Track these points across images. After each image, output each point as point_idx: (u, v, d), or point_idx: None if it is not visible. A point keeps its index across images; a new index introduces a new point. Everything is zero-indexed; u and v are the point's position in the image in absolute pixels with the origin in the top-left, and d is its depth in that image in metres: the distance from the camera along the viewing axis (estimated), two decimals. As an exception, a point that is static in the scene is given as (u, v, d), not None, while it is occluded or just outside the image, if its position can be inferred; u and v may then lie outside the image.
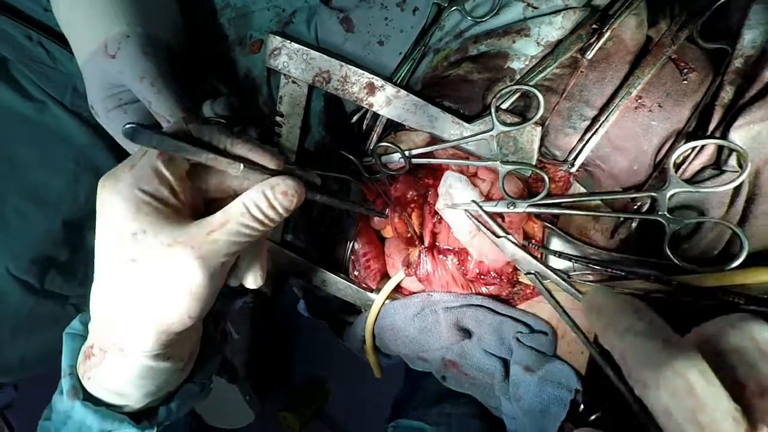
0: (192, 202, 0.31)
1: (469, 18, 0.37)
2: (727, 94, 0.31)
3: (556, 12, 0.36)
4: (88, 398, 0.36)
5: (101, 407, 0.35)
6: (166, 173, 0.29)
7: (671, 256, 0.31)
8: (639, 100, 0.33)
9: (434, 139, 0.38)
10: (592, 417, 0.41)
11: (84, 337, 0.38)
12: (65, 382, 0.37)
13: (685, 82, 0.33)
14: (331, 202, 0.33)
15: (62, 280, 0.71)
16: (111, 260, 0.31)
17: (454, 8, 0.37)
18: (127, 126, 0.26)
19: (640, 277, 0.33)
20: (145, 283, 0.30)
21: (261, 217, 0.29)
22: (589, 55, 0.34)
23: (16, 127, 0.62)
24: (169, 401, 0.39)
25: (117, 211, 0.29)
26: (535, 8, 0.36)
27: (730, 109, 0.31)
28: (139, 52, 0.36)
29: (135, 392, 0.36)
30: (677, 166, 0.32)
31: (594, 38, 0.34)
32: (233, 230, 0.29)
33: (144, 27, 0.37)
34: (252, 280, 0.35)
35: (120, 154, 0.70)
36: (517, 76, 0.36)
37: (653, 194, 0.32)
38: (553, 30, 0.35)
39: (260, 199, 0.29)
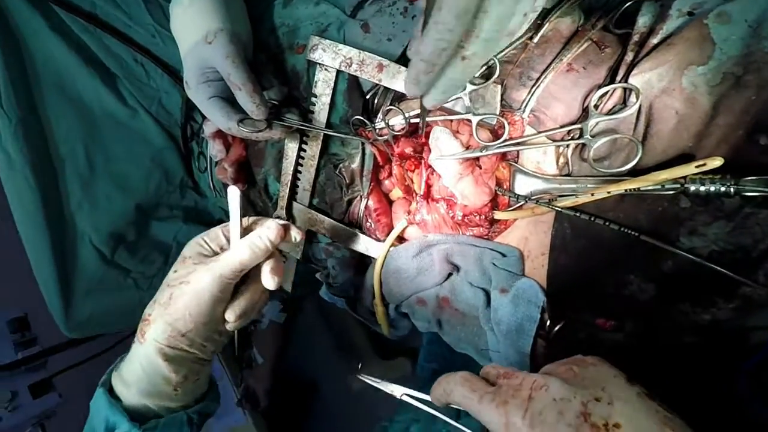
0: None
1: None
2: (628, 57, 0.44)
3: (514, 16, 0.51)
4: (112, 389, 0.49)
5: (113, 399, 0.47)
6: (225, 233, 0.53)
7: (595, 166, 0.42)
8: (569, 66, 0.46)
9: (426, 105, 0.52)
10: (557, 327, 0.49)
11: None
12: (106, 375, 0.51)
13: (603, 54, 0.46)
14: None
15: (128, 256, 0.85)
16: (171, 271, 0.50)
17: (441, 16, 0.53)
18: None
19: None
20: (175, 285, 0.47)
21: (253, 244, 0.48)
22: (535, 39, 0.48)
23: (114, 127, 0.79)
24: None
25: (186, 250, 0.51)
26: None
27: (631, 66, 0.43)
28: (228, 40, 0.53)
29: (133, 383, 0.48)
30: (597, 107, 0.44)
31: (539, 29, 0.48)
32: (232, 255, 0.48)
33: (231, 26, 0.54)
34: (268, 281, 0.50)
35: (186, 160, 0.87)
36: (484, 56, 0.50)
37: (580, 126, 0.44)
38: (510, 26, 0.50)
39: (254, 236, 0.49)
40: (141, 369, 0.47)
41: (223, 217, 0.95)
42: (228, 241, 0.51)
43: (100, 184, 0.79)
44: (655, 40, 0.43)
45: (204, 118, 0.77)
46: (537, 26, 0.49)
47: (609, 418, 0.31)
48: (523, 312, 0.50)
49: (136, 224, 0.85)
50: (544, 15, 0.49)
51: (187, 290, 0.46)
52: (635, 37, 0.45)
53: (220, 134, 0.69)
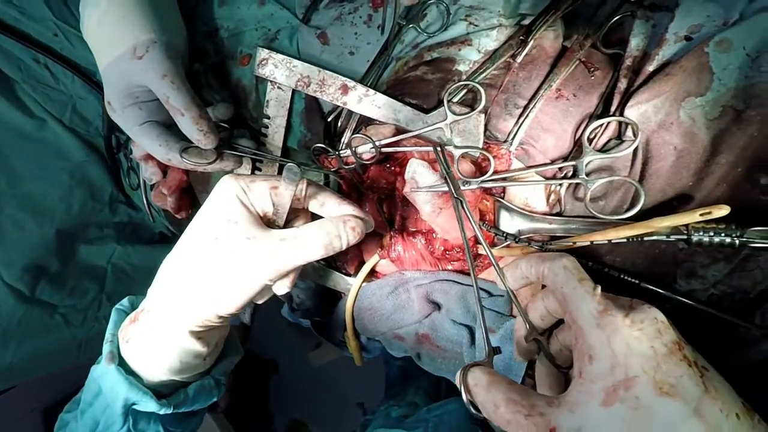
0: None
1: (423, 33, 0.46)
2: (622, 84, 0.40)
3: (492, 28, 0.45)
4: (122, 364, 0.40)
5: (130, 376, 0.39)
6: (274, 198, 0.39)
7: (591, 209, 0.38)
8: (558, 92, 0.42)
9: (399, 131, 0.46)
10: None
11: (128, 313, 0.43)
12: (105, 348, 0.41)
13: (593, 77, 0.42)
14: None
15: (52, 290, 0.74)
16: (198, 235, 0.39)
17: (411, 26, 0.46)
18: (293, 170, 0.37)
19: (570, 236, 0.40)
20: (217, 263, 0.37)
21: (330, 243, 0.37)
22: (519, 59, 0.43)
23: (17, 142, 0.66)
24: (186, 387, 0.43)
25: (223, 199, 0.38)
26: (476, 26, 0.45)
27: (625, 95, 0.39)
28: (163, 55, 0.43)
29: (160, 363, 0.40)
30: (590, 140, 0.40)
31: (522, 47, 0.43)
32: (304, 246, 0.37)
33: (166, 36, 0.44)
34: (282, 287, 0.41)
35: (113, 171, 0.75)
36: (464, 77, 0.44)
37: (574, 163, 0.40)
38: (490, 41, 0.44)
39: (334, 231, 0.38)
40: (168, 351, 0.39)
41: (166, 233, 0.85)
42: (275, 209, 0.39)
43: (6, 210, 0.67)
44: (651, 68, 0.39)
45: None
46: (520, 43, 0.43)
47: (698, 359, 0.29)
48: (511, 352, 0.48)
49: (58, 252, 0.73)
50: (527, 31, 0.44)
51: (240, 277, 0.37)
52: (627, 61, 0.40)
53: (153, 156, 0.59)
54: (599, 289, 0.31)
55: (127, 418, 0.40)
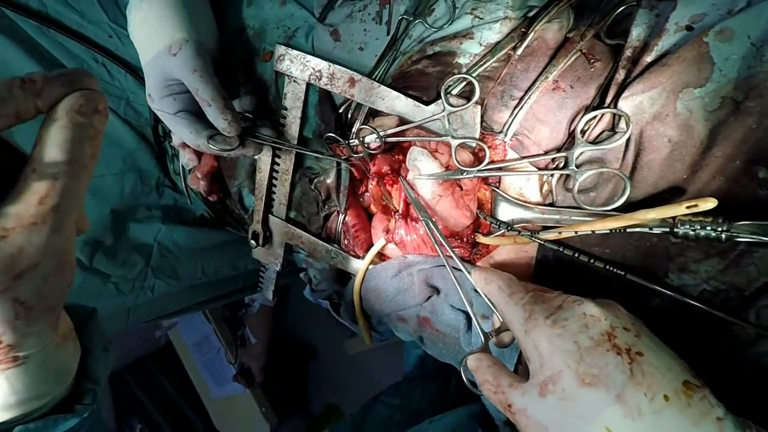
0: None
1: (430, 28, 0.48)
2: (620, 75, 0.40)
3: (497, 20, 0.46)
4: None
5: None
6: None
7: (578, 200, 0.39)
8: (555, 83, 0.42)
9: (402, 122, 0.48)
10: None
11: None
12: None
13: (592, 69, 0.42)
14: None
15: (107, 261, 0.83)
16: None
17: (418, 21, 0.48)
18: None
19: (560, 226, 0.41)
20: None
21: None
22: (519, 51, 0.44)
23: (80, 131, 0.75)
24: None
25: None
26: (481, 19, 0.47)
27: (622, 86, 0.39)
28: (194, 53, 0.48)
29: None
30: (583, 132, 0.40)
31: (522, 39, 0.44)
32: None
33: (198, 35, 0.50)
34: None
35: (160, 158, 0.83)
36: (464, 70, 0.45)
37: (565, 154, 0.40)
38: (492, 34, 0.45)
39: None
40: None
41: (206, 215, 0.92)
42: None
43: (72, 191, 0.76)
44: (648, 58, 0.39)
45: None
46: (521, 35, 0.44)
47: (633, 346, 0.31)
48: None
49: (113, 229, 0.82)
50: (530, 23, 0.45)
51: None
52: (627, 52, 0.40)
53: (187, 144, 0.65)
54: (527, 297, 0.36)
55: None
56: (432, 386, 0.92)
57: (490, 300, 0.40)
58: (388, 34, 0.48)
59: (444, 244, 0.45)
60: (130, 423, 1.81)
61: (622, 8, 0.42)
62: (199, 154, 0.67)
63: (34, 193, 0.25)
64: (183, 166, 0.72)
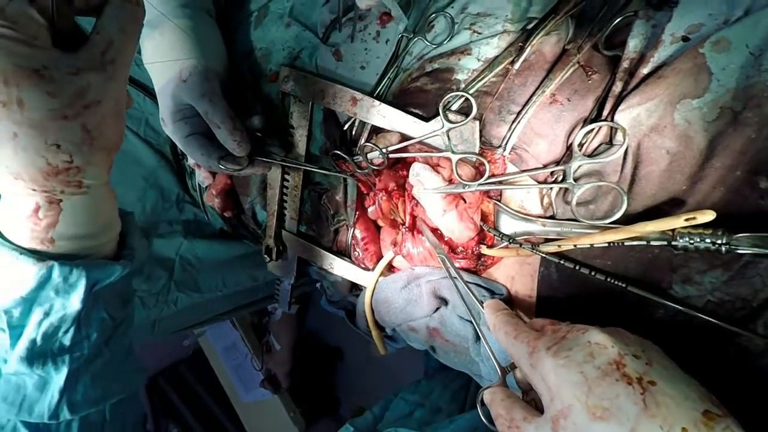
0: None
1: (430, 45, 0.49)
2: (617, 87, 0.40)
3: (495, 35, 0.46)
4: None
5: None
6: None
7: (576, 213, 0.39)
8: (553, 97, 0.43)
9: (404, 138, 0.49)
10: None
11: None
12: None
13: (590, 81, 0.42)
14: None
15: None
16: None
17: (417, 38, 0.49)
18: None
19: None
20: None
21: None
22: (517, 65, 0.44)
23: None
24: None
25: None
26: (479, 33, 0.47)
27: (618, 99, 0.39)
28: (203, 78, 0.51)
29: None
30: (581, 145, 0.40)
31: (520, 53, 0.44)
32: None
33: (206, 61, 0.52)
34: None
35: (180, 175, 0.86)
36: (462, 85, 0.46)
37: (563, 167, 0.41)
38: (490, 49, 0.46)
39: None
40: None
41: (225, 229, 0.95)
42: None
43: (97, 209, 0.80)
44: (645, 70, 0.39)
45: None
46: (519, 49, 0.45)
47: (645, 374, 0.29)
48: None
49: (137, 245, 0.86)
50: (528, 36, 0.45)
51: None
52: (624, 64, 0.40)
53: (202, 163, 0.68)
54: (532, 334, 0.35)
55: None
56: (452, 384, 0.92)
57: (503, 345, 0.39)
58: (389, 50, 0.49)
59: (458, 276, 0.47)
60: (165, 426, 1.87)
61: (619, 19, 0.42)
62: (213, 173, 0.69)
63: (97, 46, 0.32)
64: (199, 184, 0.75)
